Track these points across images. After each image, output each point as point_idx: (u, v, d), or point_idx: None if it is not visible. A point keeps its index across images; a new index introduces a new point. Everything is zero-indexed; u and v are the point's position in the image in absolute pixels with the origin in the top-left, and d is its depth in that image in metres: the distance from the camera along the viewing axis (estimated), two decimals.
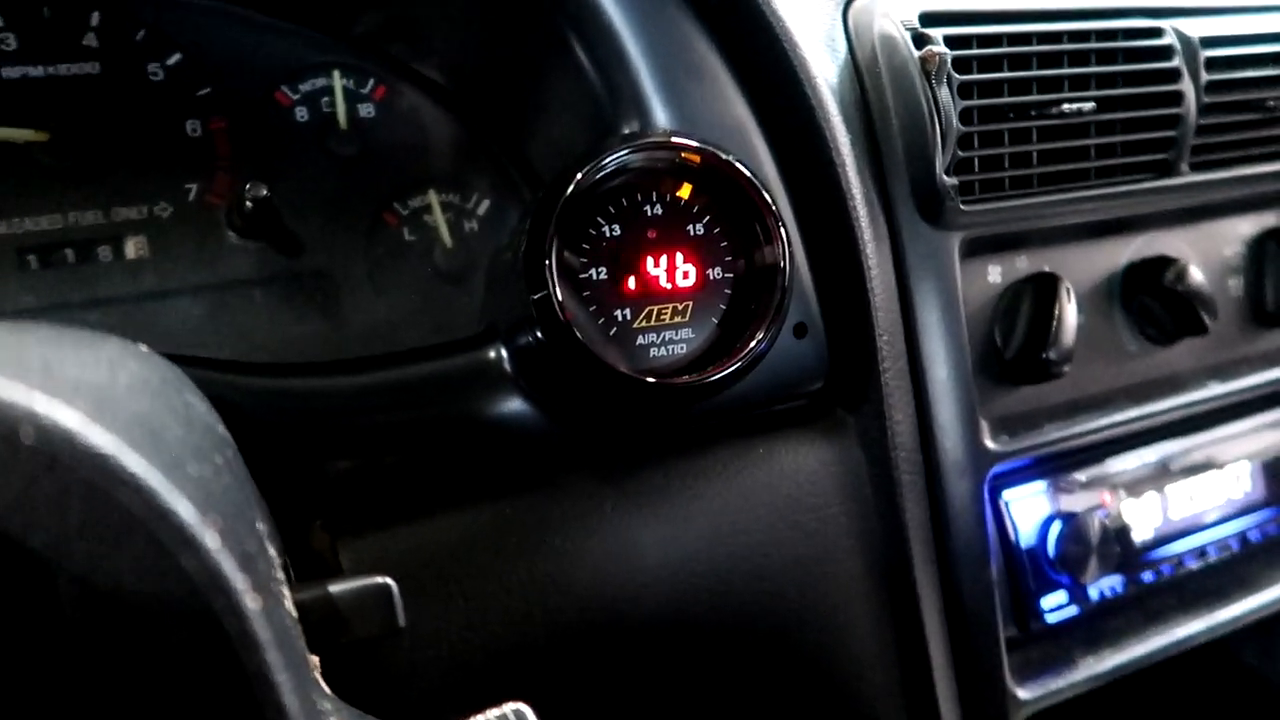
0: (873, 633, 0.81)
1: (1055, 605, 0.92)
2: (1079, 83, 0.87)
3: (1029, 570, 0.90)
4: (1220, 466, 1.02)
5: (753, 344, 0.67)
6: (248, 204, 0.75)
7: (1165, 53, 0.91)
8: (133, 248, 0.77)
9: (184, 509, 0.32)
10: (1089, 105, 0.86)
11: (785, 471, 0.78)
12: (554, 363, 0.66)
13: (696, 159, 0.67)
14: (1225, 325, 1.04)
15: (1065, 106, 0.85)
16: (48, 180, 0.75)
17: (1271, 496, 1.05)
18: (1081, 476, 0.94)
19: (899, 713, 0.83)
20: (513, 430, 0.70)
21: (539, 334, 0.65)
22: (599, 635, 0.70)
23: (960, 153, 0.82)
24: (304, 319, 0.80)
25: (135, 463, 0.31)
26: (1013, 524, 0.90)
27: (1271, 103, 0.97)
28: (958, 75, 0.81)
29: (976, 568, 0.85)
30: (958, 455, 0.84)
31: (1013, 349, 0.89)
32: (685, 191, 0.68)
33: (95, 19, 0.77)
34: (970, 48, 0.83)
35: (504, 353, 0.70)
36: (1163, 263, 0.97)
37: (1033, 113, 0.85)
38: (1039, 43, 0.85)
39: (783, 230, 0.68)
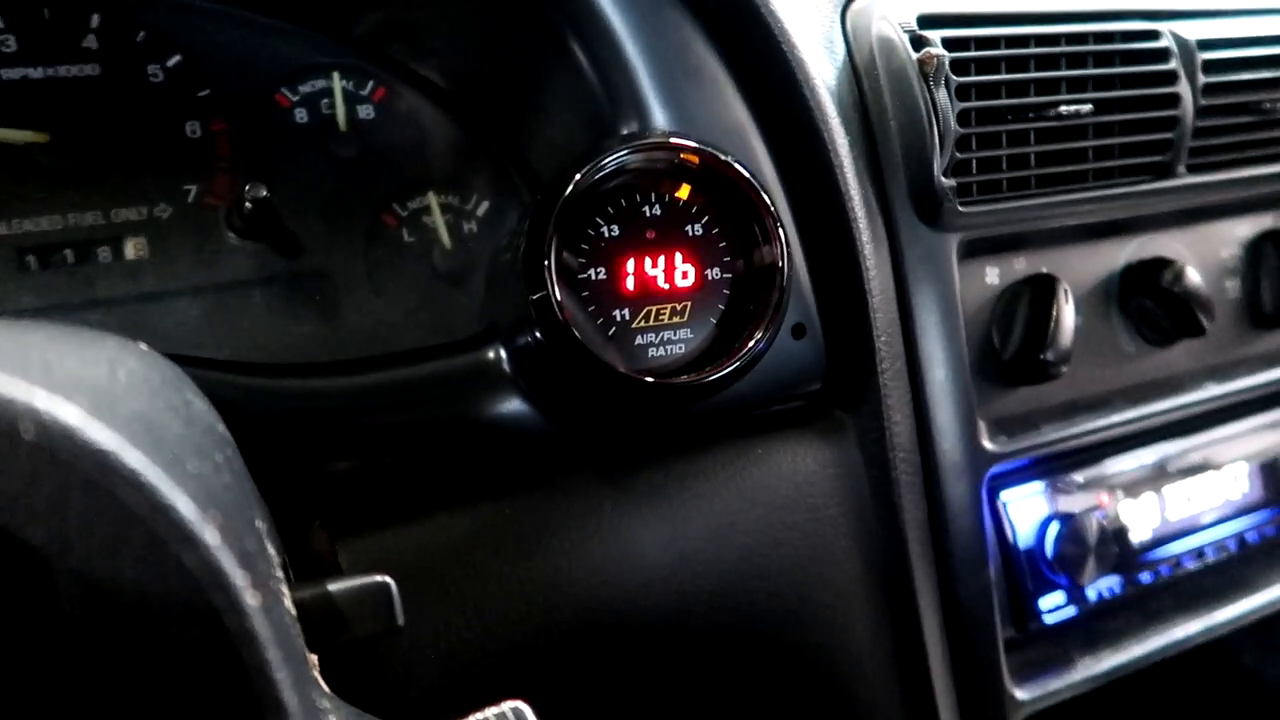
0: (871, 633, 0.81)
1: (1053, 606, 0.92)
2: (1076, 85, 0.87)
3: (1027, 571, 0.90)
4: (1218, 467, 1.02)
5: (751, 344, 0.67)
6: (247, 205, 0.75)
7: (1162, 55, 0.91)
8: (132, 248, 0.77)
9: (184, 505, 0.32)
10: (1087, 107, 0.86)
11: (784, 472, 0.78)
12: (553, 363, 0.66)
13: (695, 160, 0.67)
14: (1222, 326, 1.04)
15: (1063, 108, 0.86)
16: (47, 181, 0.75)
17: (1269, 497, 1.05)
18: (1079, 477, 0.94)
19: (897, 713, 0.83)
20: (512, 430, 0.70)
21: (538, 334, 0.65)
22: (598, 635, 0.70)
23: (958, 154, 0.82)
24: (303, 320, 0.80)
25: (135, 459, 0.32)
26: (1011, 525, 0.90)
27: (1268, 105, 0.97)
28: (956, 77, 0.81)
29: (975, 568, 0.85)
30: (956, 456, 0.84)
31: (1011, 350, 0.90)
32: (684, 192, 0.68)
33: (95, 21, 0.77)
34: (968, 50, 0.83)
35: (503, 353, 0.70)
36: (1160, 264, 0.97)
37: (1030, 115, 0.85)
38: (1037, 45, 0.86)
39: (781, 230, 0.68)
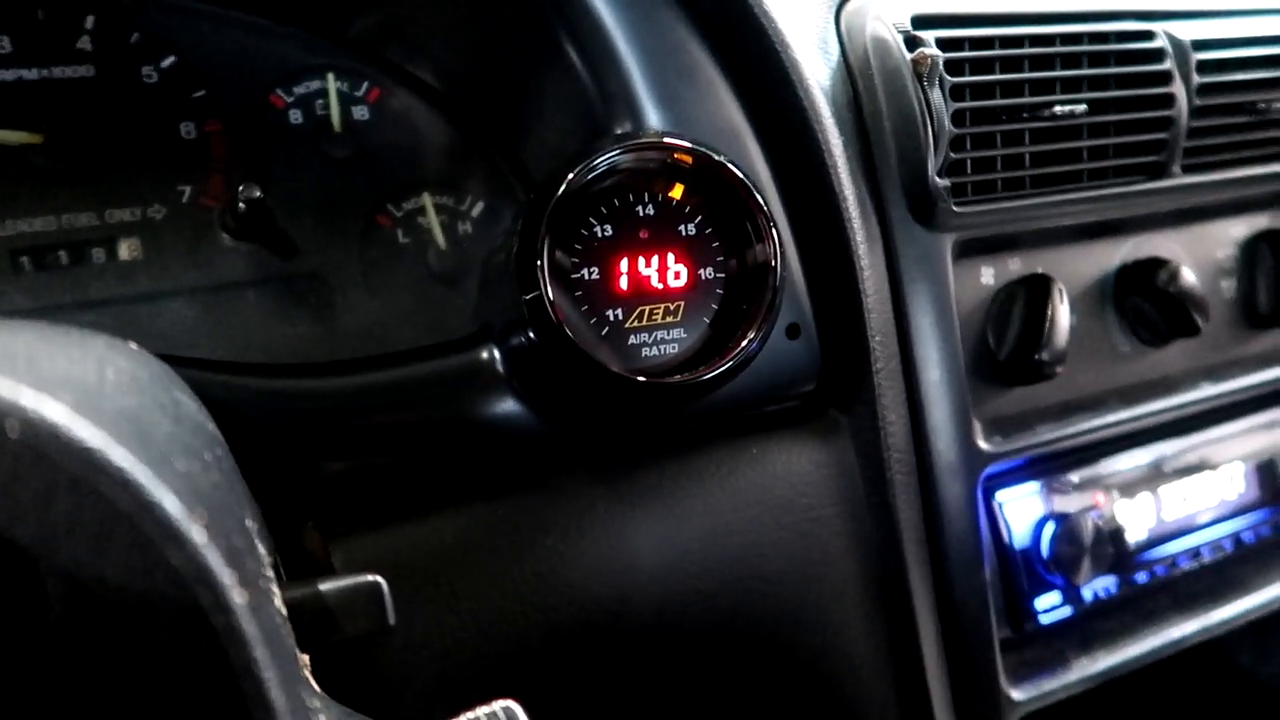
0: (866, 634, 0.81)
1: (1049, 606, 0.92)
2: (1071, 85, 0.87)
3: (1023, 571, 0.90)
4: (1213, 468, 1.02)
5: (744, 343, 0.67)
6: (241, 206, 0.75)
7: (1157, 55, 0.91)
8: (126, 249, 0.77)
9: (170, 503, 0.32)
10: (1081, 107, 0.87)
11: (778, 472, 0.78)
12: (547, 363, 0.66)
13: (688, 159, 0.67)
14: (1218, 327, 1.04)
15: (1057, 109, 0.86)
16: (42, 182, 0.75)
17: (1265, 498, 1.05)
18: (1075, 477, 0.94)
19: (893, 714, 0.83)
20: (506, 431, 0.70)
21: (531, 334, 0.65)
22: (592, 636, 0.70)
23: (953, 154, 0.82)
24: (297, 320, 0.80)
25: (121, 457, 0.31)
26: (1006, 525, 0.90)
27: (1263, 105, 0.97)
28: (950, 77, 0.81)
29: (970, 569, 0.85)
30: (951, 456, 0.84)
31: (1006, 350, 0.90)
32: (677, 192, 0.68)
33: (90, 22, 0.77)
34: (962, 50, 0.83)
35: (497, 353, 0.70)
36: (1155, 264, 0.97)
37: (1025, 115, 0.85)
38: (1031, 45, 0.86)
39: (774, 230, 0.68)
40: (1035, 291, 0.90)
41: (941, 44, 0.81)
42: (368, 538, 0.66)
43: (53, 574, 0.31)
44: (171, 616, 0.32)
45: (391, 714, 0.63)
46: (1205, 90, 0.94)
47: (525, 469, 0.71)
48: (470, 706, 0.49)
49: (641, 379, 0.65)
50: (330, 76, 0.83)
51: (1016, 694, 0.87)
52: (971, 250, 0.88)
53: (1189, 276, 0.97)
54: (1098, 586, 0.95)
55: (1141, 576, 0.97)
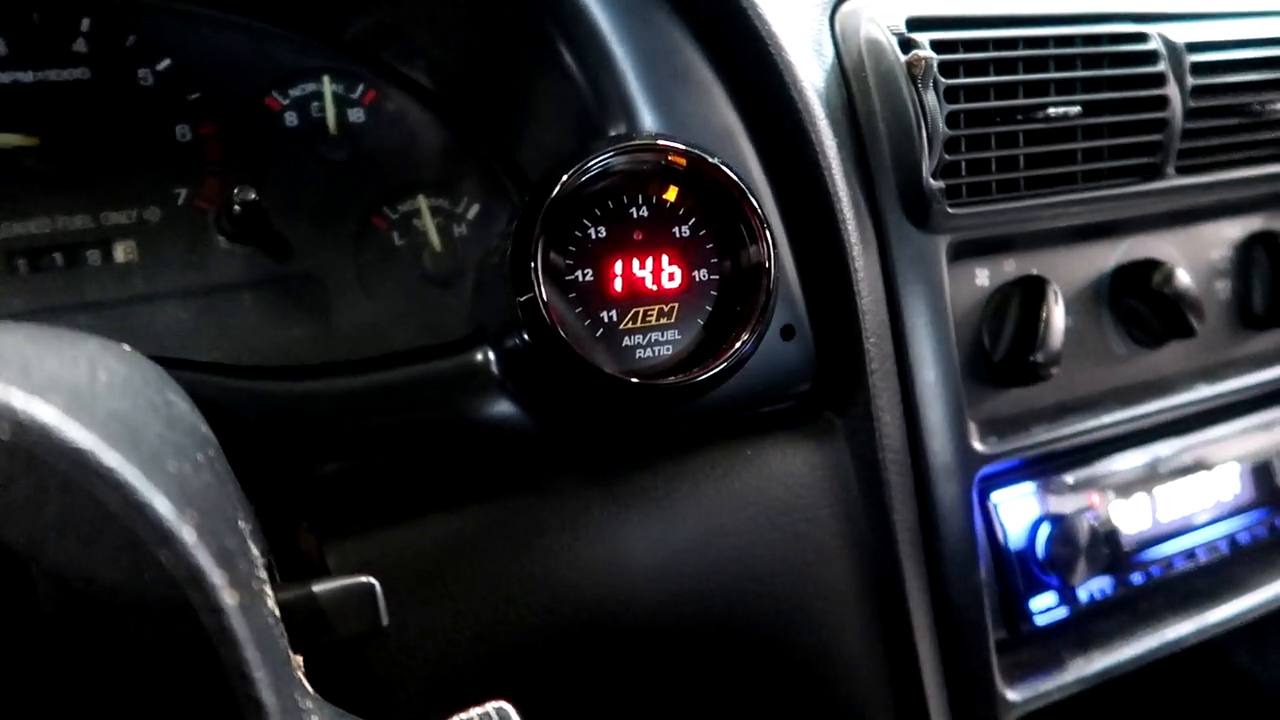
0: (862, 635, 0.81)
1: (1044, 607, 0.92)
2: (1065, 87, 0.87)
3: (1018, 572, 0.90)
4: (1209, 468, 1.02)
5: (738, 345, 0.67)
6: (236, 208, 0.76)
7: (1151, 57, 0.91)
8: (121, 252, 0.77)
9: (161, 504, 0.32)
10: (1075, 109, 0.87)
11: (773, 474, 0.78)
12: (541, 364, 0.66)
13: (682, 161, 0.67)
14: (1213, 328, 1.04)
15: (1051, 110, 0.86)
16: (37, 185, 0.75)
17: (1260, 498, 1.05)
18: (1070, 478, 0.94)
19: (888, 714, 0.83)
20: (501, 432, 0.70)
21: (526, 336, 0.65)
22: (587, 637, 0.70)
23: (947, 156, 0.82)
24: (293, 322, 0.80)
25: (112, 458, 0.32)
26: (1001, 526, 0.90)
27: (1257, 106, 0.97)
28: (944, 79, 0.81)
29: (965, 570, 0.85)
30: (946, 457, 0.84)
31: (1001, 351, 0.90)
32: (671, 194, 0.68)
33: (85, 25, 0.77)
34: (956, 52, 0.83)
35: (492, 355, 0.70)
36: (1150, 266, 0.97)
37: (1019, 116, 0.85)
38: (1025, 47, 0.86)
39: (768, 231, 0.68)
40: (1030, 293, 0.90)
41: (936, 46, 0.82)
42: (362, 539, 0.66)
43: (44, 575, 0.31)
44: (162, 617, 0.32)
45: (385, 715, 0.63)
46: (1199, 92, 0.94)
47: (520, 471, 0.71)
48: (464, 708, 0.49)
49: (636, 380, 0.65)
50: (325, 79, 0.84)
51: (1012, 695, 0.87)
52: (966, 252, 0.88)
53: (1184, 278, 0.97)
54: (1093, 587, 0.95)
55: (1137, 577, 0.97)
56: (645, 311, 0.68)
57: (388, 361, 0.71)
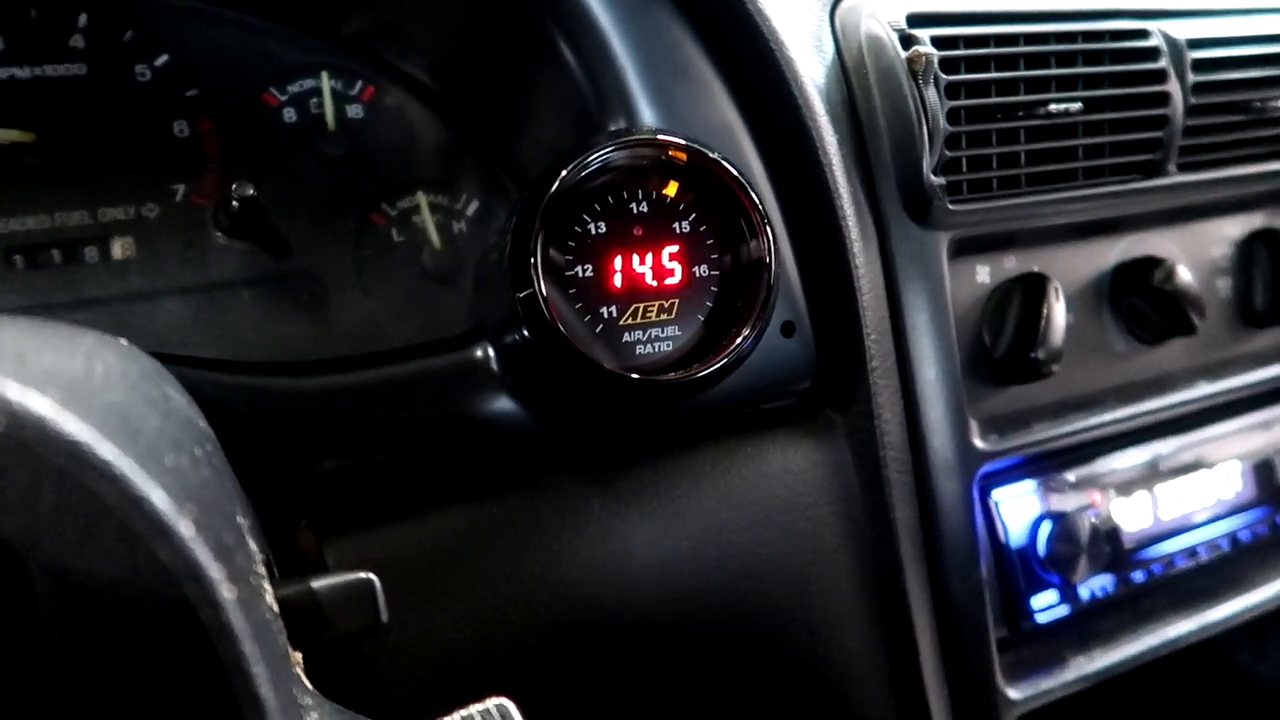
0: (863, 633, 0.81)
1: (1046, 605, 0.92)
2: (1066, 83, 0.87)
3: (1019, 570, 0.90)
4: (1210, 466, 1.02)
5: (739, 341, 0.67)
6: (234, 204, 0.75)
7: (1152, 54, 0.91)
8: (119, 248, 0.76)
9: (158, 497, 0.32)
10: (1076, 106, 0.86)
11: (774, 471, 0.77)
12: (541, 361, 0.66)
13: (682, 156, 0.67)
14: (1213, 325, 1.04)
15: (1052, 107, 0.86)
16: (34, 181, 0.75)
17: (1261, 496, 1.05)
18: (1071, 476, 0.94)
19: (889, 713, 0.83)
20: (500, 429, 0.70)
21: (525, 332, 0.65)
22: (587, 635, 0.70)
23: (948, 153, 0.82)
24: (291, 319, 0.79)
25: (108, 451, 0.31)
26: (1002, 523, 0.90)
27: (1258, 104, 0.97)
28: (945, 75, 0.81)
29: (966, 567, 0.85)
30: (947, 455, 0.84)
31: (1001, 349, 0.89)
32: (671, 189, 0.68)
33: (83, 20, 0.77)
34: (957, 48, 0.83)
35: (491, 351, 0.70)
36: (1151, 263, 0.97)
37: (1020, 113, 0.85)
38: (1026, 43, 0.86)
39: (768, 227, 0.68)
40: (1031, 290, 0.89)
41: (936, 42, 0.81)
42: (361, 536, 0.65)
43: (39, 568, 0.31)
44: (159, 611, 0.32)
45: (384, 712, 0.62)
46: (1200, 89, 0.94)
47: (519, 467, 0.71)
48: (463, 704, 0.49)
49: (636, 376, 0.65)
50: (324, 75, 0.83)
51: (1013, 693, 0.87)
52: (967, 249, 0.88)
53: (1185, 275, 0.97)
54: (1094, 585, 0.95)
55: (1138, 575, 0.97)
56: (645, 307, 0.67)
57: (387, 358, 0.71)
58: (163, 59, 0.79)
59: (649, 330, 0.68)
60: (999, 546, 0.90)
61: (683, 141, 0.67)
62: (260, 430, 0.64)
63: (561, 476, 0.71)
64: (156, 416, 0.39)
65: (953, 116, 0.82)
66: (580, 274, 0.66)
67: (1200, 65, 0.93)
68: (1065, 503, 0.93)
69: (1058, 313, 0.88)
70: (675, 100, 0.75)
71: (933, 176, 0.81)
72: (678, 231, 0.68)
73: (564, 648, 0.69)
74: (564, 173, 0.63)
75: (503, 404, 0.70)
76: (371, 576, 0.50)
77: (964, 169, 0.84)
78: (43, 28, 0.75)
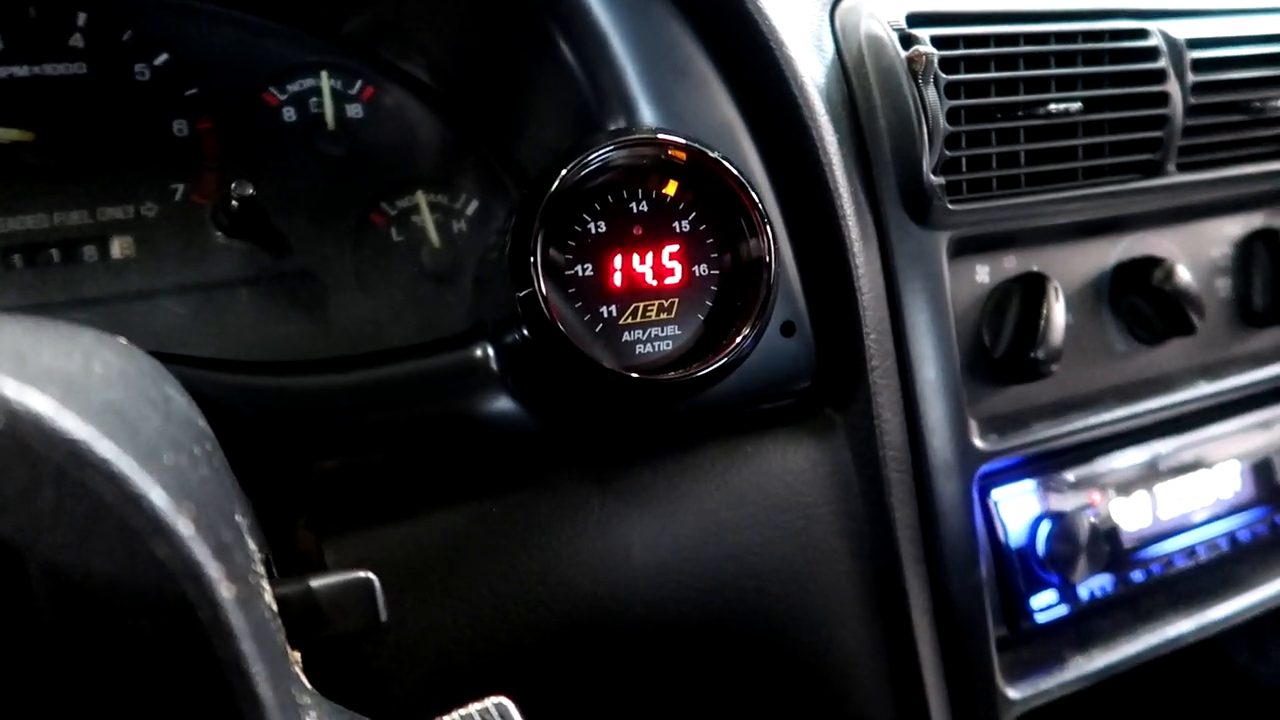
0: (862, 632, 0.81)
1: (1045, 605, 0.92)
2: (1066, 83, 0.87)
3: (1018, 570, 0.90)
4: (1209, 466, 1.02)
5: (738, 340, 0.67)
6: (234, 203, 0.75)
7: (1151, 54, 0.91)
8: (118, 247, 0.76)
9: (157, 496, 0.32)
10: (1076, 105, 0.86)
11: (773, 470, 0.77)
12: (540, 360, 0.66)
13: (682, 155, 0.67)
14: (1213, 325, 1.04)
15: (1052, 107, 0.86)
16: (33, 180, 0.75)
17: (1260, 496, 1.05)
18: (1070, 476, 0.94)
19: (889, 713, 0.83)
20: (500, 429, 0.70)
21: (525, 331, 0.65)
22: (587, 634, 0.70)
23: (947, 152, 0.82)
24: (290, 318, 0.79)
25: (107, 449, 0.31)
26: (1002, 523, 0.90)
27: (1257, 103, 0.97)
28: (945, 75, 0.81)
29: (966, 567, 0.85)
30: (946, 454, 0.84)
31: (1001, 348, 0.89)
32: (671, 188, 0.68)
33: (82, 19, 0.77)
34: (957, 48, 0.83)
35: (491, 351, 0.70)
36: (1151, 263, 0.97)
37: (1020, 113, 0.85)
38: (1026, 43, 0.86)
39: (768, 226, 0.68)
40: (1030, 289, 0.89)
41: (936, 42, 0.81)
42: (360, 536, 0.65)
43: (38, 566, 0.31)
44: (158, 609, 0.32)
45: (383, 711, 0.62)
46: (1200, 89, 0.94)
47: (519, 467, 0.71)
48: (463, 704, 0.49)
49: (635, 376, 0.65)
50: (324, 74, 0.83)
51: (1013, 693, 0.87)
52: (967, 248, 0.88)
53: (1184, 275, 0.97)
54: (1094, 585, 0.95)
55: (1138, 575, 0.97)
56: (645, 307, 0.67)
57: (386, 357, 0.71)
58: (162, 58, 0.79)
59: (649, 329, 0.68)
60: (998, 546, 0.90)
61: (683, 141, 0.67)
62: (259, 429, 0.64)
63: (561, 476, 0.71)
64: (155, 415, 0.39)
65: (952, 116, 0.82)
66: (580, 273, 0.66)
67: (1200, 65, 0.93)
68: (1065, 502, 0.93)
69: (1057, 312, 0.88)
70: (675, 99, 0.75)
71: (932, 176, 0.81)
72: (678, 231, 0.68)
73: (563, 647, 0.69)
74: (564, 172, 0.63)
75: (502, 403, 0.70)
76: (370, 575, 0.50)
77: (964, 169, 0.84)
78: (42, 27, 0.75)
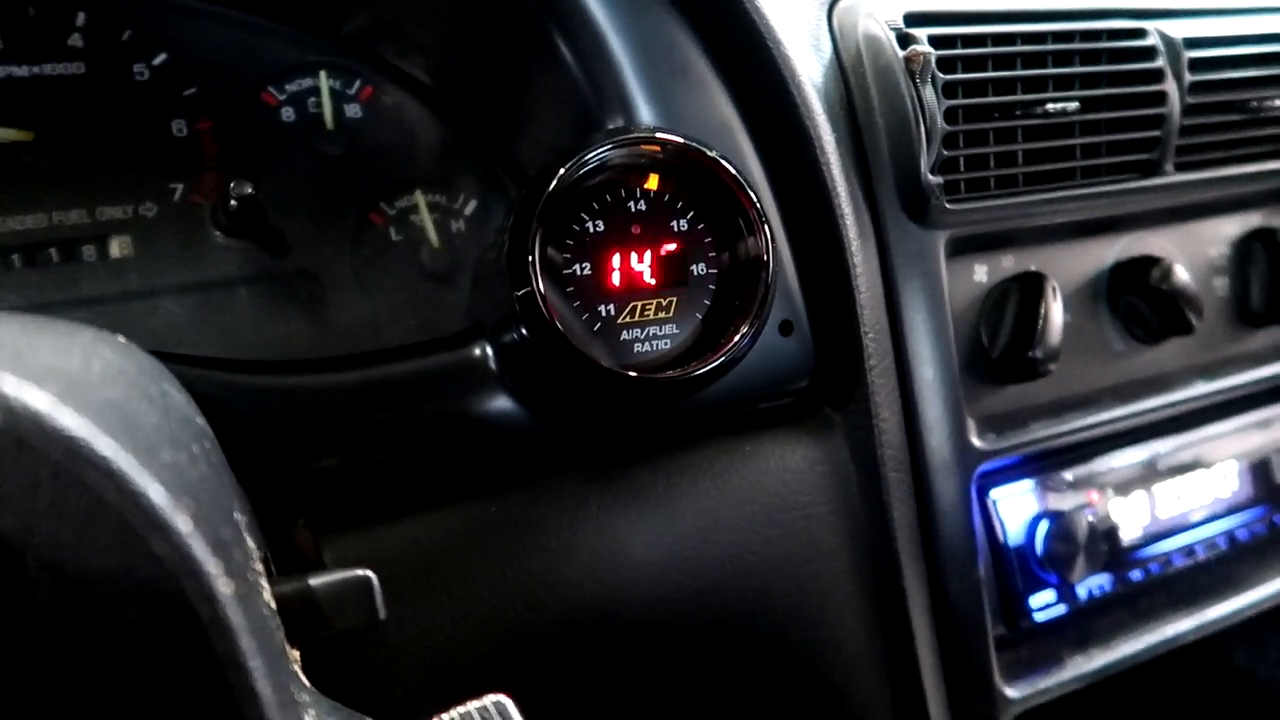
0: (861, 632, 0.81)
1: (1044, 604, 0.92)
2: (1063, 83, 0.87)
3: (1017, 569, 0.90)
4: (1207, 465, 1.02)
5: (736, 339, 0.67)
6: (233, 203, 0.75)
7: (1149, 53, 0.91)
8: (117, 247, 0.76)
9: (155, 493, 0.32)
10: (1073, 105, 0.87)
11: (772, 470, 0.78)
12: (539, 359, 0.66)
13: (681, 155, 0.67)
14: (1211, 325, 1.04)
15: (1050, 106, 0.86)
16: (32, 180, 0.75)
17: (1258, 495, 1.05)
18: (1069, 475, 0.94)
19: (887, 712, 0.83)
20: (498, 428, 0.70)
21: (523, 330, 0.65)
22: (585, 634, 0.70)
23: (945, 152, 0.82)
24: (289, 318, 0.79)
25: (106, 446, 0.31)
26: (1000, 523, 0.90)
27: (1255, 103, 0.97)
28: (942, 75, 0.81)
29: (964, 566, 0.85)
30: (945, 454, 0.84)
31: (999, 348, 0.90)
32: (670, 188, 0.68)
33: (81, 19, 0.77)
34: (955, 47, 0.83)
35: (489, 350, 0.70)
36: (1149, 262, 0.97)
37: (1017, 112, 0.85)
38: (1023, 43, 0.86)
39: (766, 226, 0.68)
40: (1028, 289, 0.89)
41: (934, 41, 0.82)
42: (359, 535, 0.65)
43: (36, 562, 0.31)
44: (156, 606, 0.32)
45: (382, 710, 0.62)
46: (1197, 88, 0.94)
47: (517, 466, 0.71)
48: (461, 702, 0.49)
49: (633, 375, 0.65)
50: (322, 74, 0.83)
51: (1011, 692, 0.87)
52: (965, 248, 0.88)
53: (1182, 274, 0.97)
54: (1092, 584, 0.95)
55: (1136, 574, 0.97)
56: (643, 306, 0.68)
57: (385, 357, 0.71)
58: (161, 58, 0.79)
59: (647, 328, 0.68)
60: (997, 545, 0.90)
61: (681, 140, 0.67)
62: (258, 428, 0.64)
63: (559, 475, 0.71)
64: (154, 412, 0.39)
65: (950, 116, 0.82)
66: (578, 272, 0.66)
67: (1197, 65, 0.93)
68: (1063, 502, 0.93)
69: (1055, 312, 0.88)
70: (673, 99, 0.76)
71: (930, 176, 0.81)
72: (676, 230, 0.69)
73: (562, 646, 0.69)
74: (562, 171, 0.63)
75: (501, 403, 0.70)
76: (369, 574, 0.50)
77: (961, 168, 0.84)
78: (41, 27, 0.76)
